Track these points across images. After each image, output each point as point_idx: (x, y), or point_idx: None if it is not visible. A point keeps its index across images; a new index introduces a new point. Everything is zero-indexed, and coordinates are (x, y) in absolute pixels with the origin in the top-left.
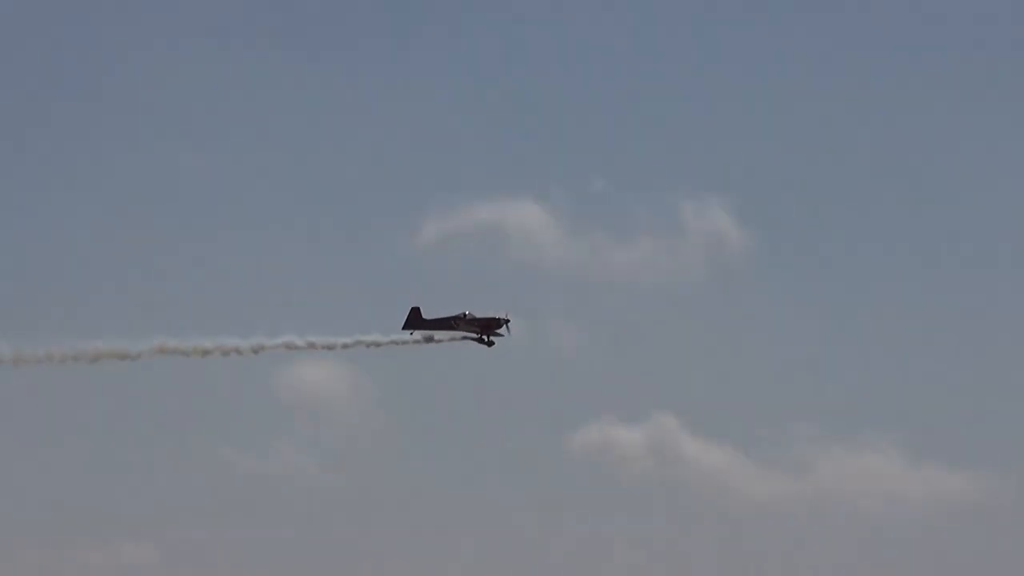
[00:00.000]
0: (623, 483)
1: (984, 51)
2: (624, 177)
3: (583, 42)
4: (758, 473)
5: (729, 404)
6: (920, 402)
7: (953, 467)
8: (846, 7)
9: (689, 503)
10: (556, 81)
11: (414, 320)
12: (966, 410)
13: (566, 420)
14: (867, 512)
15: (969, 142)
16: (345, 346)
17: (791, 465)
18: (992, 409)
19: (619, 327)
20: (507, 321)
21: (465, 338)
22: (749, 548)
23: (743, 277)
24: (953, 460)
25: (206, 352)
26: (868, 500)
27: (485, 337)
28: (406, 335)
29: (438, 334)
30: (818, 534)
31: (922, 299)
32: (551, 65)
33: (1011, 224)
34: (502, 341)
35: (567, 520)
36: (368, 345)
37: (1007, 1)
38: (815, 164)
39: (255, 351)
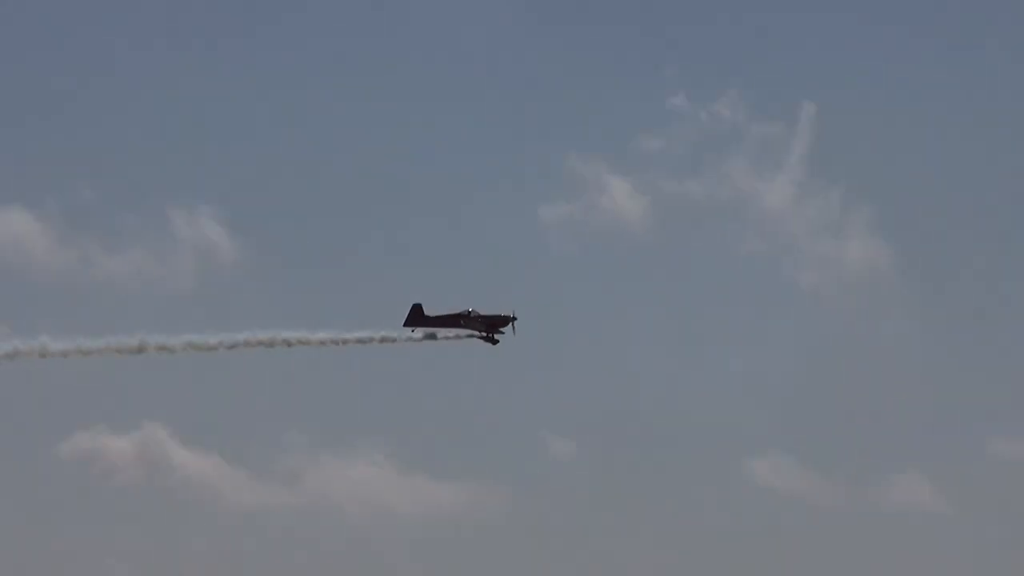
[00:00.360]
0: (112, 492)
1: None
2: (114, 186)
3: (80, 48)
4: (248, 482)
5: (219, 414)
6: (409, 414)
7: (440, 479)
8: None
9: (178, 513)
10: (46, 89)
11: (416, 317)
12: (452, 422)
13: (55, 429)
14: (355, 522)
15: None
16: (358, 341)
17: (281, 475)
18: (481, 422)
19: (109, 335)
20: (514, 319)
21: (470, 336)
22: (237, 557)
23: (233, 286)
24: (440, 472)
25: None
26: (356, 510)
27: (490, 335)
28: (407, 332)
29: (441, 331)
30: (307, 543)
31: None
32: (41, 72)
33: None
34: None
35: (56, 528)
36: (368, 342)
37: None
38: (309, 172)
39: None
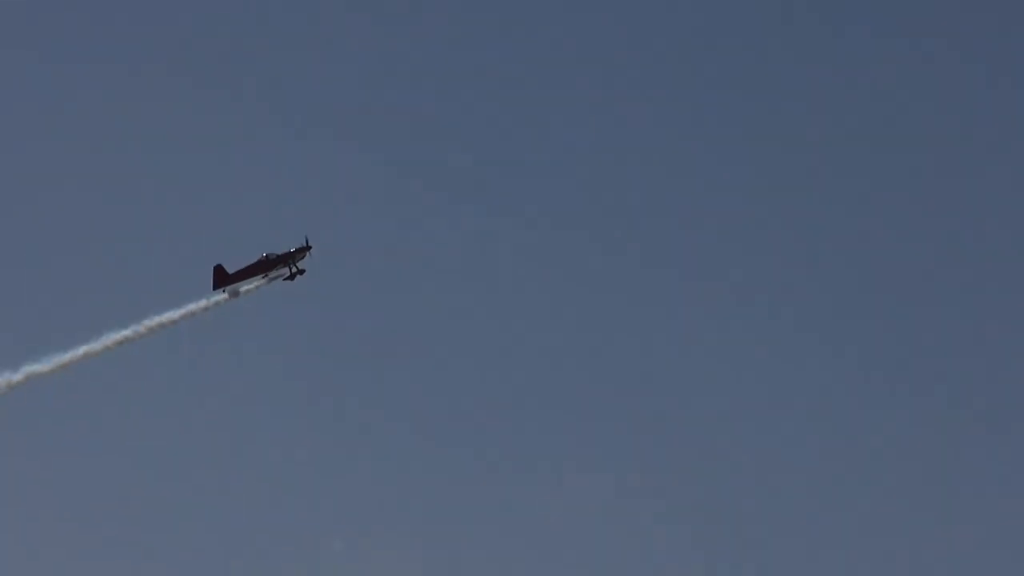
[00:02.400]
0: None
1: None
2: None
3: None
4: None
5: None
6: None
7: None
8: None
9: None
10: None
11: (221, 278)
12: None
13: None
14: None
15: None
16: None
17: None
18: None
19: None
20: (309, 248)
21: (273, 279)
22: None
23: None
24: None
25: None
26: None
27: (292, 269)
28: (211, 299)
29: (245, 284)
30: None
31: None
32: None
33: None
34: None
35: None
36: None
37: None
38: None
39: None
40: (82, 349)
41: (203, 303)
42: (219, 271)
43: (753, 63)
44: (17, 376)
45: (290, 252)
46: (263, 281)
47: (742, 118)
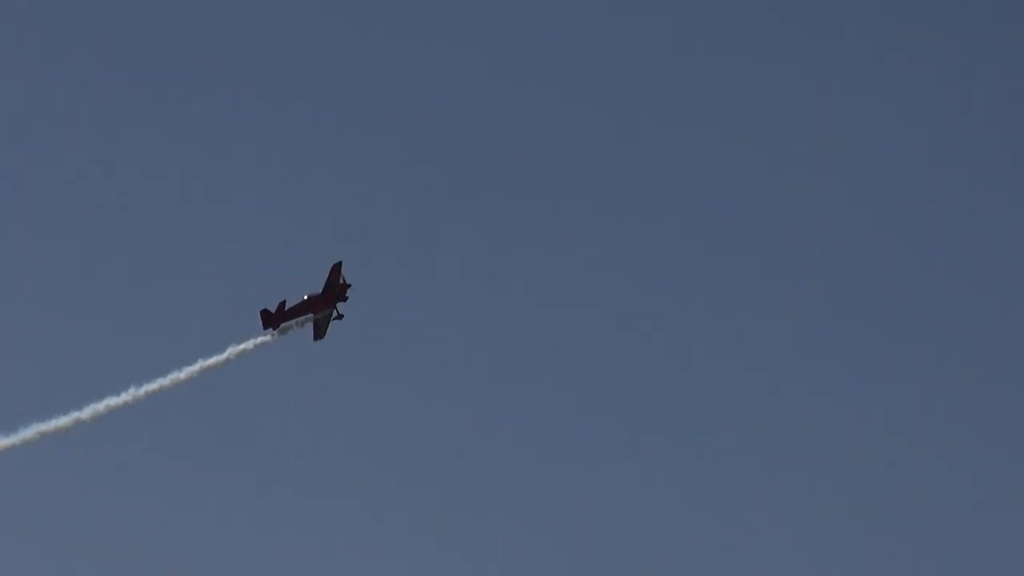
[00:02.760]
0: None
1: None
2: None
3: None
4: None
5: None
6: None
7: None
8: None
9: None
10: None
11: (268, 320)
12: None
13: None
14: None
15: None
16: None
17: None
18: None
19: None
20: (349, 286)
21: (317, 319)
22: None
23: None
24: None
25: None
26: None
27: (337, 311)
28: (258, 340)
29: (293, 323)
30: None
31: None
32: None
33: None
34: None
35: None
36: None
37: None
38: None
39: None
40: (135, 392)
41: (250, 343)
42: (265, 314)
43: (753, 63)
44: (64, 421)
45: (332, 290)
46: (310, 319)
47: (742, 118)
